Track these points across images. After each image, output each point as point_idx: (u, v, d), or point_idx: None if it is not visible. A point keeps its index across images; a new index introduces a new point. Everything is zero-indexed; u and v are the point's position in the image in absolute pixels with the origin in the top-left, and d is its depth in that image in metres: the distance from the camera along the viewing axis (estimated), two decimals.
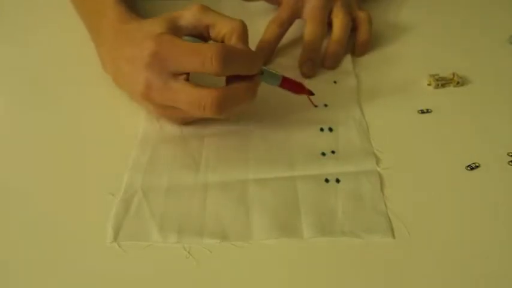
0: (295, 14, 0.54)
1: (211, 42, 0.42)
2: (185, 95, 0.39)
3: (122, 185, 0.39)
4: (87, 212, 0.38)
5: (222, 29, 0.41)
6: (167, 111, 0.42)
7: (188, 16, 0.42)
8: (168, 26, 0.40)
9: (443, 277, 0.33)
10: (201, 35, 0.42)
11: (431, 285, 0.33)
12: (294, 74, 0.50)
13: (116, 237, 0.36)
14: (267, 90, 0.43)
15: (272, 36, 0.53)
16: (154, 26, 0.40)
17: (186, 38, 0.41)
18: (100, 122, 0.46)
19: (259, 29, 0.54)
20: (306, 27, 0.52)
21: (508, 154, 0.41)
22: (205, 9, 0.42)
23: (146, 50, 0.38)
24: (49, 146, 0.43)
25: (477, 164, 0.41)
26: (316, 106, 0.46)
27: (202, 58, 0.37)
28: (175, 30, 0.41)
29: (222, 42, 0.41)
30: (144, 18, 0.44)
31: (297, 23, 0.54)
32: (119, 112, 0.46)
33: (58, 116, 0.46)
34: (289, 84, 0.44)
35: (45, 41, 0.56)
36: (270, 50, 0.53)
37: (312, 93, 0.45)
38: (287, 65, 0.52)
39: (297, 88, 0.45)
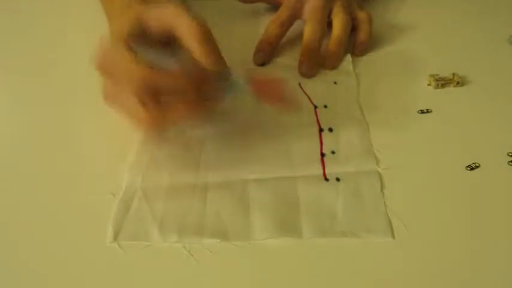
0: (295, 14, 0.54)
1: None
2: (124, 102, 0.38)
3: (122, 185, 0.39)
4: (87, 212, 0.38)
5: (184, 33, 0.38)
6: None
7: (158, 16, 0.39)
8: (135, 27, 0.38)
9: (443, 277, 0.33)
10: (168, 37, 0.39)
11: (431, 285, 0.33)
12: (294, 74, 0.51)
13: (116, 237, 0.36)
14: None
15: (272, 36, 0.53)
16: (125, 22, 0.39)
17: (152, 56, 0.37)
18: (100, 121, 0.46)
19: (259, 29, 0.54)
20: (306, 27, 0.52)
21: (508, 154, 0.41)
22: (178, 10, 0.38)
23: (101, 49, 0.37)
24: (49, 146, 0.43)
25: (477, 164, 0.40)
26: (316, 107, 0.45)
27: (126, 78, 0.36)
28: (142, 30, 0.39)
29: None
30: None
31: (297, 23, 0.54)
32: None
33: (58, 114, 0.46)
34: (260, 86, 0.40)
35: (45, 36, 0.56)
36: (271, 50, 0.53)
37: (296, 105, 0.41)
38: (287, 65, 0.52)
39: (268, 90, 0.40)
